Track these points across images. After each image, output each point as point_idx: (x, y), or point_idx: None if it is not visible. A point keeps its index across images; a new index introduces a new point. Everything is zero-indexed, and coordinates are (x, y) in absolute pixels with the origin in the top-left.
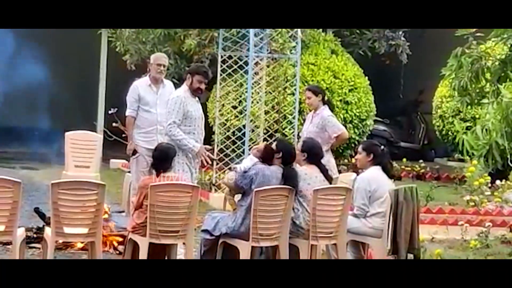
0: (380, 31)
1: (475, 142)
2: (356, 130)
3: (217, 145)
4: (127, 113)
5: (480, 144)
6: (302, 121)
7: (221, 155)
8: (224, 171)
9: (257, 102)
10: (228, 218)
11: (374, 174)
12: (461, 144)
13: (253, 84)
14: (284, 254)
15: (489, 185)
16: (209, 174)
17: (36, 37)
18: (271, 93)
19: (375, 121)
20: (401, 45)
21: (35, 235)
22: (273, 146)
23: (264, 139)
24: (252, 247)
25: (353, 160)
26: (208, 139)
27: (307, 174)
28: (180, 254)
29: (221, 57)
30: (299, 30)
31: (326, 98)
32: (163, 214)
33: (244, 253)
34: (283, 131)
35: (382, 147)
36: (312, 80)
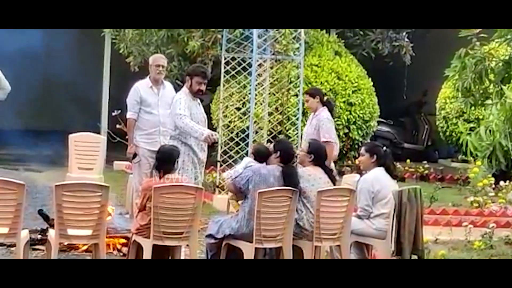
0: (383, 32)
1: (479, 143)
2: (359, 131)
3: (221, 147)
4: (128, 116)
5: (484, 145)
6: (306, 122)
7: (225, 156)
8: None
9: (261, 104)
10: (231, 220)
11: (378, 175)
12: (465, 145)
13: (256, 85)
14: (287, 256)
15: (493, 186)
16: (213, 176)
17: (39, 39)
18: (274, 95)
19: (378, 122)
20: (404, 46)
21: (39, 237)
22: (271, 146)
23: (268, 141)
24: (256, 248)
25: (357, 162)
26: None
27: (311, 175)
28: (184, 256)
29: (225, 58)
30: (302, 31)
31: (326, 98)
32: (167, 216)
33: (248, 255)
34: (287, 133)
35: (385, 148)
36: (316, 82)
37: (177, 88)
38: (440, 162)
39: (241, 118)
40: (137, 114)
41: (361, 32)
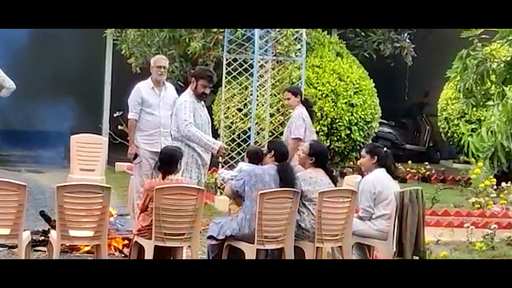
0: (385, 34)
1: (480, 144)
2: (361, 133)
3: None
4: (129, 116)
5: (486, 146)
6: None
7: (227, 157)
8: None
9: (262, 105)
10: (231, 221)
11: (379, 176)
12: (467, 146)
13: (258, 86)
14: (289, 257)
15: (495, 187)
16: (214, 177)
17: (41, 40)
18: (276, 96)
19: (380, 123)
20: (406, 47)
21: (40, 238)
22: (265, 147)
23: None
24: (257, 249)
25: (358, 163)
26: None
27: (312, 178)
28: (185, 257)
29: (226, 59)
30: (304, 32)
31: (304, 98)
32: (169, 217)
33: (249, 256)
34: None
35: (386, 149)
36: (317, 83)
37: (179, 89)
38: (442, 163)
39: (242, 119)
40: (138, 115)
41: (363, 33)
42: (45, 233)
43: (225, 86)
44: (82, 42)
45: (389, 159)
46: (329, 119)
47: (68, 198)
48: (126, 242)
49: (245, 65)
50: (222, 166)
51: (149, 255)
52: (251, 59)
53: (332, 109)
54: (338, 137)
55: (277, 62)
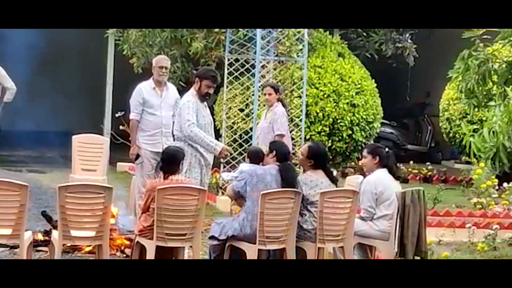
0: (387, 34)
1: (482, 145)
2: (363, 133)
3: None
4: (131, 117)
5: (487, 147)
6: (309, 123)
7: (228, 158)
8: None
9: (264, 105)
10: (233, 221)
11: (380, 177)
12: (468, 146)
13: (260, 87)
14: (291, 257)
15: (496, 187)
16: (216, 177)
17: (42, 40)
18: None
19: (382, 123)
20: (408, 48)
21: (42, 239)
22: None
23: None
24: (259, 250)
25: (360, 163)
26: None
27: (312, 180)
28: (187, 257)
29: (228, 60)
30: (306, 33)
31: (279, 98)
32: (170, 217)
33: (251, 256)
34: (290, 134)
35: (387, 149)
36: (319, 83)
37: (180, 89)
38: (444, 164)
39: (244, 119)
40: (140, 115)
41: (365, 34)
42: (47, 233)
43: (227, 87)
44: (83, 43)
45: (390, 159)
46: (330, 120)
47: (69, 198)
48: (127, 242)
49: (247, 65)
50: (224, 167)
51: (150, 255)
52: (253, 59)
53: (333, 110)
54: (340, 138)
55: (279, 62)
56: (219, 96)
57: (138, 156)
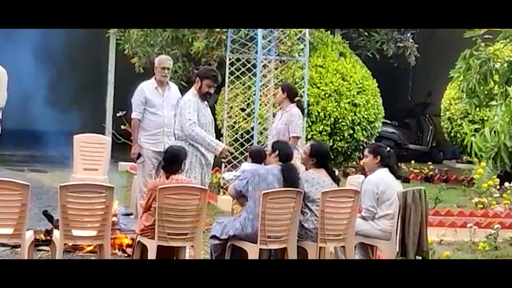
0: (388, 33)
1: (484, 144)
2: (364, 132)
3: None
4: (133, 116)
5: (489, 146)
6: (310, 123)
7: (230, 157)
8: None
9: (265, 105)
10: (235, 221)
11: (382, 176)
12: (470, 146)
13: (261, 86)
14: (292, 256)
15: (498, 187)
16: (217, 177)
17: (44, 40)
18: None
19: (383, 123)
20: (409, 47)
21: (43, 238)
22: (269, 147)
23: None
24: (260, 249)
25: (361, 163)
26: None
27: (314, 178)
28: (188, 257)
29: (229, 59)
30: (307, 32)
31: (298, 99)
32: (172, 217)
33: (252, 255)
34: None
35: (388, 148)
36: (320, 83)
37: (181, 89)
38: (445, 163)
39: (245, 119)
40: (142, 115)
41: (366, 33)
42: (48, 232)
43: (228, 86)
44: (85, 42)
45: (392, 159)
46: (332, 119)
47: (71, 198)
48: (129, 241)
49: (248, 65)
50: (225, 166)
51: (152, 255)
52: (254, 59)
53: (335, 109)
54: (341, 137)
55: (280, 62)
56: (221, 96)
57: (139, 155)
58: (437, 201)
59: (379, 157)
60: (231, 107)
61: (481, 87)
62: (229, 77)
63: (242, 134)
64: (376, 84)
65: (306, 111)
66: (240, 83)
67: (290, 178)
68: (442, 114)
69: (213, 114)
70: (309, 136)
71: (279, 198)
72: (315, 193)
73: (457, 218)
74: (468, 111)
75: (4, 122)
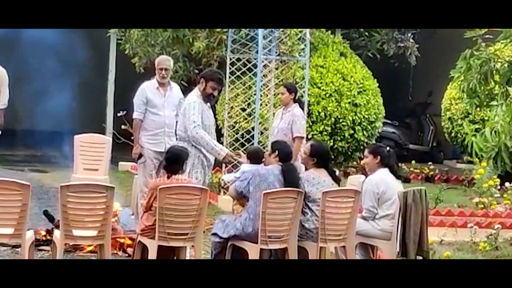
0: (389, 33)
1: (484, 144)
2: (365, 132)
3: (226, 148)
4: (134, 116)
5: (489, 146)
6: (311, 123)
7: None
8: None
9: (266, 105)
10: (236, 221)
11: (382, 176)
12: (470, 146)
13: (261, 86)
14: (293, 256)
15: (498, 187)
16: (218, 177)
17: (44, 40)
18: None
19: (384, 123)
20: (410, 47)
21: (44, 238)
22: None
23: None
24: (261, 249)
25: (362, 163)
26: (217, 142)
27: (315, 178)
28: (189, 257)
29: (230, 59)
30: (307, 32)
31: (298, 97)
32: (172, 217)
33: (253, 255)
34: None
35: (389, 148)
36: (321, 83)
37: (182, 89)
38: (445, 163)
39: (246, 119)
40: (143, 115)
41: (367, 33)
42: (49, 232)
43: (229, 86)
44: (86, 42)
45: (392, 159)
46: (332, 119)
47: (71, 198)
48: (130, 242)
49: (249, 65)
50: (226, 166)
51: (152, 255)
52: (255, 58)
53: (335, 109)
54: (342, 137)
55: (281, 61)
56: (221, 96)
57: (140, 155)
58: (437, 201)
59: (379, 157)
60: (232, 107)
61: (482, 87)
62: (229, 77)
63: (242, 134)
64: (377, 84)
65: (306, 111)
66: (241, 83)
67: (290, 178)
68: (442, 114)
69: (214, 114)
70: (309, 136)
71: (279, 198)
72: (316, 193)
73: (457, 218)
74: (468, 111)
75: (5, 122)
